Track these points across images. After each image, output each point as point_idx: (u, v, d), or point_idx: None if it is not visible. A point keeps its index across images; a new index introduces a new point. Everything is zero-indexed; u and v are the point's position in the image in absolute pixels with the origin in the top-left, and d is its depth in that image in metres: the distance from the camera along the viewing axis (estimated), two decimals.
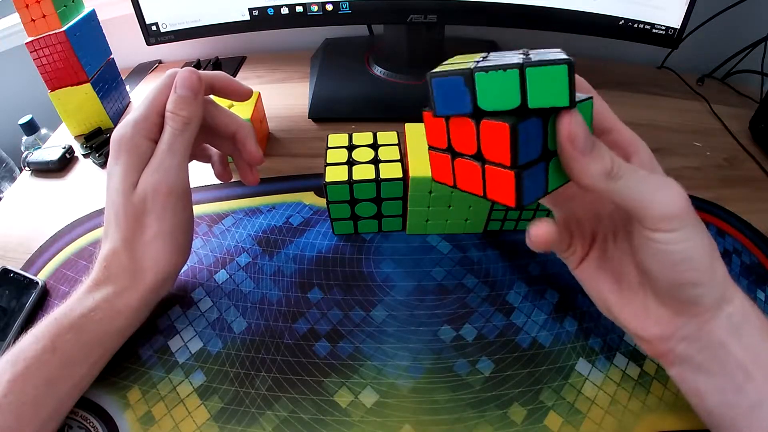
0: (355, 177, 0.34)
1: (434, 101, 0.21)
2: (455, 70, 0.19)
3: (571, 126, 0.19)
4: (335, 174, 0.34)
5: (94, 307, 0.28)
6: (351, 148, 0.37)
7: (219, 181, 0.38)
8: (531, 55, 0.19)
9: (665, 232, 0.21)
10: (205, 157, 0.37)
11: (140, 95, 0.63)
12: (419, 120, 0.38)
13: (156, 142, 0.30)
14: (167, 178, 0.29)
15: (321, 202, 0.43)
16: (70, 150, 0.50)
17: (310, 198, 0.43)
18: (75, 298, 0.28)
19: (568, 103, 0.18)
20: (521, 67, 0.18)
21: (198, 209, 0.42)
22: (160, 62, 0.70)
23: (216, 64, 0.66)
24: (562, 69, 0.18)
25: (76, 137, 0.54)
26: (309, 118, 0.53)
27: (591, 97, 0.21)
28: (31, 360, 0.25)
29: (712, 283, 0.23)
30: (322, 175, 0.35)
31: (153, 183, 0.29)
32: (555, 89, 0.18)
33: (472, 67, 0.19)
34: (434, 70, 0.20)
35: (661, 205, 0.21)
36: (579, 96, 0.20)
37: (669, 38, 0.48)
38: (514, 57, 0.19)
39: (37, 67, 0.48)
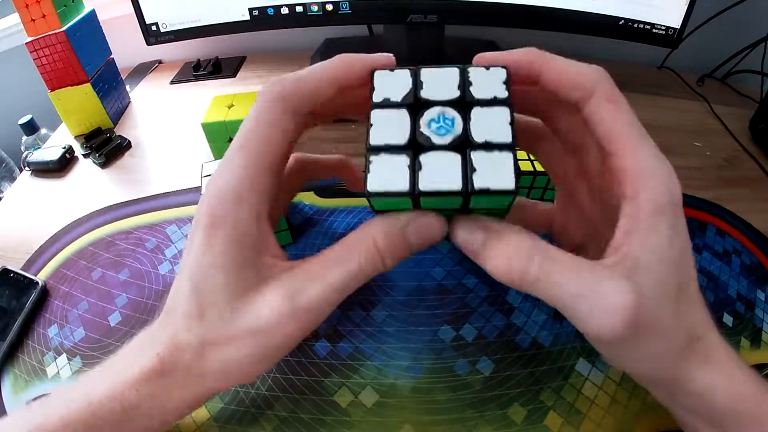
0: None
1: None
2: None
3: (455, 238, 0.19)
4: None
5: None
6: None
7: None
8: (470, 89, 0.17)
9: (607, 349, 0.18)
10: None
11: (140, 95, 0.63)
12: None
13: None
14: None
15: (321, 202, 0.43)
16: (70, 150, 0.50)
17: (310, 198, 0.43)
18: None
19: (505, 208, 0.18)
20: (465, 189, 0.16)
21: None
22: (160, 62, 0.70)
23: (216, 64, 0.66)
24: (506, 198, 0.17)
25: (76, 137, 0.54)
26: None
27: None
28: None
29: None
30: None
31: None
32: (496, 203, 0.18)
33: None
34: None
35: (596, 325, 0.17)
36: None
37: (669, 38, 0.48)
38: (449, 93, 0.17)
39: (37, 67, 0.48)
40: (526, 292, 0.18)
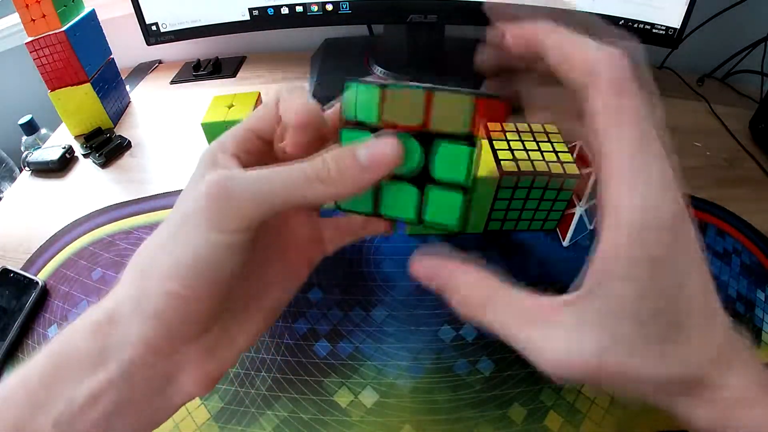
0: None
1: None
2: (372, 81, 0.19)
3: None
4: None
5: None
6: None
7: None
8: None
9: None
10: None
11: (140, 95, 0.63)
12: None
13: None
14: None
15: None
16: (70, 150, 0.50)
17: None
18: None
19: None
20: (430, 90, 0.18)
21: None
22: (160, 62, 0.70)
23: (216, 64, 0.66)
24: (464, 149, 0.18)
25: (76, 137, 0.54)
26: None
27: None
28: None
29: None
30: None
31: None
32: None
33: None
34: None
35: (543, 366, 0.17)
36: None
37: (669, 38, 0.48)
38: None
39: (37, 67, 0.48)
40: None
